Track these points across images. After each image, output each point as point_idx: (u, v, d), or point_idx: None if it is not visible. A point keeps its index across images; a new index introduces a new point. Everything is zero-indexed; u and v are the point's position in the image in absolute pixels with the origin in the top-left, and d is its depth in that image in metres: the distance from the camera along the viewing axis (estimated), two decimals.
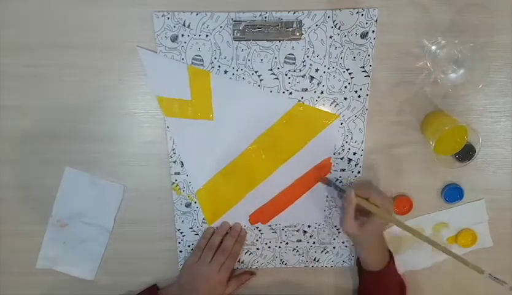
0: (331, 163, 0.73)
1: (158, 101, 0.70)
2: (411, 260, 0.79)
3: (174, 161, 0.73)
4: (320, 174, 0.74)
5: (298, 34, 0.66)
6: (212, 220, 0.77)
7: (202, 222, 0.77)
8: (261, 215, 0.77)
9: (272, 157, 0.73)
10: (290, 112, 0.70)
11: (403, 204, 0.75)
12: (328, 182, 0.73)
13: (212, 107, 0.70)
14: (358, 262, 0.76)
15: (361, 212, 0.69)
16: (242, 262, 0.80)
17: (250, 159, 0.73)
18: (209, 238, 0.76)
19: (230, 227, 0.77)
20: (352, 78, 0.69)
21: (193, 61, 0.68)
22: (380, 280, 0.72)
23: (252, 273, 0.79)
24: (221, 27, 0.66)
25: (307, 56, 0.67)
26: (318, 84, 0.69)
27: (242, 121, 0.71)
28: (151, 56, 0.67)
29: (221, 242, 0.75)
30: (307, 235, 0.78)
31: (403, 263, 0.79)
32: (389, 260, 0.72)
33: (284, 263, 0.80)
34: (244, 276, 0.78)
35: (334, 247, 0.79)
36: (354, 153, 0.73)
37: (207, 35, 0.66)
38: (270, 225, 0.78)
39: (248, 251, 0.79)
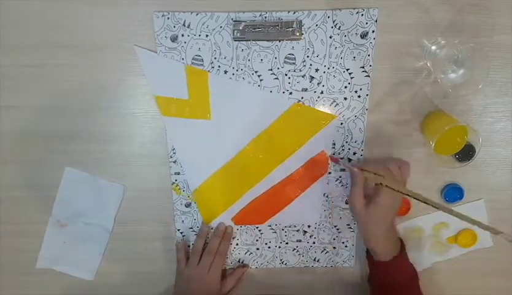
0: (326, 159, 0.73)
1: (155, 101, 0.70)
2: (411, 260, 0.78)
3: (174, 161, 0.73)
4: (314, 172, 0.74)
5: (298, 34, 0.66)
6: (208, 220, 0.77)
7: (202, 222, 0.77)
8: (246, 216, 0.76)
9: (269, 157, 0.73)
10: (288, 112, 0.70)
11: (401, 205, 0.75)
12: (336, 160, 0.71)
13: (210, 107, 0.70)
14: (368, 252, 0.72)
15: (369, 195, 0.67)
16: (242, 262, 0.80)
17: (247, 159, 0.73)
18: (202, 241, 0.76)
19: (212, 228, 0.77)
20: (352, 78, 0.69)
21: (193, 61, 0.68)
22: (389, 271, 0.68)
23: (244, 266, 0.79)
24: (221, 27, 0.66)
25: (307, 56, 0.67)
26: (318, 84, 0.69)
27: (240, 121, 0.71)
28: (148, 56, 0.67)
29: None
30: (307, 235, 0.78)
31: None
32: (400, 250, 0.69)
33: (284, 263, 0.80)
34: (238, 271, 0.78)
35: (334, 247, 0.79)
36: (354, 153, 0.73)
37: (207, 35, 0.66)
38: (270, 225, 0.78)
39: (248, 250, 0.79)
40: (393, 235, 0.70)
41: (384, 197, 0.65)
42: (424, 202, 0.64)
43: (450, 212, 0.63)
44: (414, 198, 0.64)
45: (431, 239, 0.78)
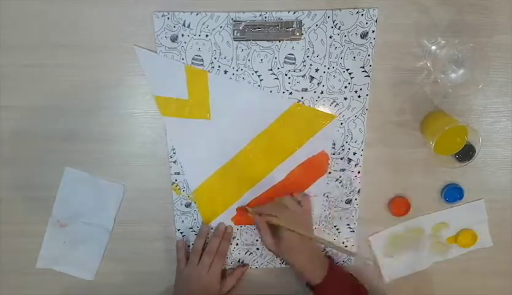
0: (326, 159, 0.73)
1: (155, 101, 0.70)
2: (411, 261, 0.79)
3: (174, 161, 0.73)
4: (314, 172, 0.74)
5: (298, 34, 0.66)
6: (209, 220, 0.77)
7: (202, 222, 0.77)
8: (247, 216, 0.76)
9: (269, 156, 0.73)
10: (288, 112, 0.70)
11: (401, 205, 0.75)
12: (245, 210, 0.75)
13: (209, 107, 0.70)
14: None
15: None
16: (242, 262, 0.80)
17: (247, 159, 0.73)
18: (202, 240, 0.76)
19: (212, 228, 0.77)
20: (352, 78, 0.69)
21: (193, 61, 0.68)
22: (328, 290, 0.70)
23: (244, 266, 0.79)
24: (221, 27, 0.66)
25: (307, 56, 0.67)
26: (318, 84, 0.69)
27: (239, 121, 0.71)
28: (148, 56, 0.67)
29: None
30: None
31: (403, 264, 0.79)
32: (328, 267, 0.70)
33: (284, 263, 0.80)
34: (238, 271, 0.78)
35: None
36: (354, 153, 0.73)
37: (207, 35, 0.66)
38: None
39: (248, 250, 0.79)
40: (315, 261, 0.72)
41: (286, 233, 0.69)
42: (317, 241, 0.72)
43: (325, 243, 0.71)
44: (306, 235, 0.71)
45: (431, 239, 0.78)
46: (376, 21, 0.65)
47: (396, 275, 0.79)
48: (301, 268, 0.71)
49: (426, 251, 0.78)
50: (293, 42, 0.66)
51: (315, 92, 0.69)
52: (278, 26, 0.65)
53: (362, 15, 0.65)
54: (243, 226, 0.78)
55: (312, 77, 0.69)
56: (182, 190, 0.75)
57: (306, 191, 0.75)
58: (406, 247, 0.78)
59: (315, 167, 0.74)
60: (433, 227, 0.77)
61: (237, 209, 0.76)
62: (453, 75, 0.65)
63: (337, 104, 0.70)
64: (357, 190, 0.75)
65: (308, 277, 0.71)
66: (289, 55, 0.67)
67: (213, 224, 0.77)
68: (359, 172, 0.74)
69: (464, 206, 0.76)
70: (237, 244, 0.79)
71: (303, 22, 0.65)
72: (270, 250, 0.72)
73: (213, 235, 0.76)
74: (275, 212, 0.70)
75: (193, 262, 0.74)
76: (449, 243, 0.78)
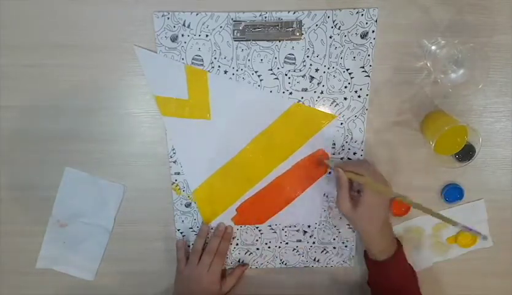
0: (327, 159, 0.73)
1: (155, 101, 0.70)
2: (411, 260, 0.78)
3: (174, 161, 0.73)
4: (314, 172, 0.74)
5: (298, 34, 0.66)
6: (208, 220, 0.77)
7: (202, 222, 0.77)
8: (246, 216, 0.76)
9: (269, 156, 0.73)
10: (288, 112, 0.70)
11: (401, 205, 0.75)
12: (327, 166, 0.72)
13: (209, 107, 0.70)
14: (366, 252, 0.72)
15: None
16: (242, 262, 0.80)
17: (247, 159, 0.73)
18: (202, 239, 0.76)
19: (212, 228, 0.77)
20: (352, 78, 0.69)
21: (193, 61, 0.68)
22: (385, 272, 0.68)
23: (244, 265, 0.79)
24: (221, 27, 0.66)
25: (307, 56, 0.67)
26: (318, 84, 0.69)
27: (239, 121, 0.71)
28: (148, 56, 0.67)
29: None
30: (307, 235, 0.78)
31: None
32: (396, 250, 0.68)
33: (284, 263, 0.80)
34: (238, 270, 0.78)
35: (334, 247, 0.79)
36: (354, 153, 0.73)
37: (207, 35, 0.66)
38: (270, 225, 0.78)
39: (248, 250, 0.79)
40: (387, 235, 0.70)
41: (368, 196, 0.65)
42: (406, 202, 0.65)
43: (434, 214, 0.63)
44: (396, 197, 0.65)
45: (431, 239, 0.78)
46: (376, 21, 0.65)
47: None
48: (371, 238, 0.67)
49: (426, 251, 0.78)
50: (293, 42, 0.66)
51: (315, 92, 0.69)
52: (278, 26, 0.65)
53: (362, 15, 0.65)
54: (243, 226, 0.78)
55: (312, 77, 0.69)
56: (182, 190, 0.75)
57: (306, 191, 0.75)
58: (407, 247, 0.78)
59: (316, 167, 0.74)
60: (433, 227, 0.77)
61: (237, 209, 0.76)
62: (453, 75, 0.65)
63: (337, 104, 0.70)
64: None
65: (374, 249, 0.68)
66: (289, 55, 0.67)
67: (213, 224, 0.77)
68: None
69: (464, 206, 0.76)
70: (237, 244, 0.79)
71: (303, 22, 0.65)
72: (343, 213, 0.68)
73: (213, 235, 0.76)
74: (360, 169, 0.66)
75: (193, 262, 0.74)
76: (449, 243, 0.78)
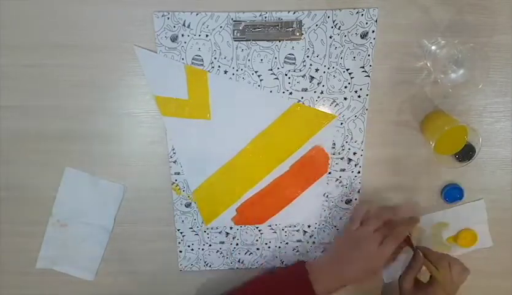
0: (326, 159, 0.73)
1: (155, 101, 0.70)
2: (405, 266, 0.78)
3: (174, 161, 0.73)
4: (314, 172, 0.74)
5: (298, 34, 0.66)
6: (208, 220, 0.77)
7: (202, 222, 0.77)
8: (246, 216, 0.76)
9: (269, 157, 0.73)
10: (288, 112, 0.70)
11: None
12: (411, 245, 0.71)
13: (209, 107, 0.70)
14: None
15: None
16: (242, 262, 0.80)
17: (247, 159, 0.73)
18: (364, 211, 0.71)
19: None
20: (352, 78, 0.69)
21: (193, 61, 0.68)
22: None
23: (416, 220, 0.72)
24: (221, 27, 0.66)
25: (307, 56, 0.67)
26: (318, 84, 0.69)
27: (239, 121, 0.71)
28: (148, 56, 0.67)
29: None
30: (307, 235, 0.78)
31: (404, 264, 0.78)
32: None
33: (284, 263, 0.80)
34: (400, 229, 0.68)
35: None
36: (354, 153, 0.73)
37: (207, 35, 0.66)
38: (270, 225, 0.78)
39: (248, 250, 0.79)
40: None
41: (436, 292, 0.66)
42: None
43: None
44: None
45: (431, 239, 0.78)
46: (376, 21, 0.65)
47: (396, 275, 0.79)
48: None
49: None
50: (293, 42, 0.66)
51: (315, 92, 0.69)
52: (278, 26, 0.65)
53: (362, 15, 0.65)
54: (243, 226, 0.78)
55: (312, 77, 0.69)
56: (182, 190, 0.75)
57: (306, 191, 0.75)
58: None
59: (315, 166, 0.74)
60: (433, 226, 0.77)
61: (237, 210, 0.76)
62: (453, 75, 0.65)
63: (337, 104, 0.70)
64: (357, 190, 0.75)
65: None
66: (289, 55, 0.67)
67: (213, 224, 0.77)
68: (359, 172, 0.74)
69: (464, 206, 0.76)
70: (237, 244, 0.79)
71: (303, 22, 0.65)
72: (401, 289, 0.68)
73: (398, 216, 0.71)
74: (438, 263, 0.67)
75: (370, 226, 0.68)
76: (449, 243, 0.78)
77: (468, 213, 0.76)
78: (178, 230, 0.78)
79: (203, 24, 0.66)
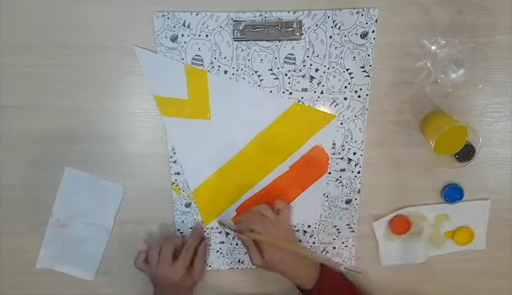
0: (327, 159, 0.73)
1: (155, 101, 0.70)
2: (404, 254, 0.78)
3: (174, 161, 0.73)
4: (314, 172, 0.74)
5: (298, 34, 0.66)
6: (208, 220, 0.77)
7: (202, 222, 0.77)
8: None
9: (269, 157, 0.73)
10: (288, 112, 0.70)
11: (400, 225, 0.75)
12: (223, 225, 0.75)
13: (209, 107, 0.70)
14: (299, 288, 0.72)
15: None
16: (242, 262, 0.80)
17: (247, 159, 0.73)
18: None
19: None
20: (352, 78, 0.69)
21: (193, 61, 0.68)
22: (322, 293, 0.69)
23: (202, 239, 0.77)
24: (221, 27, 0.66)
25: (307, 56, 0.67)
26: (318, 84, 0.69)
27: (239, 121, 0.71)
28: (148, 56, 0.67)
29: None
30: (307, 235, 0.78)
31: (401, 251, 0.78)
32: (320, 270, 0.71)
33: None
34: (200, 249, 0.75)
35: (334, 248, 0.79)
36: (354, 153, 0.73)
37: (207, 35, 0.66)
38: None
39: None
40: (304, 264, 0.70)
41: (266, 248, 0.67)
42: (296, 251, 0.70)
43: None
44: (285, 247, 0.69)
45: (431, 229, 0.77)
46: (376, 21, 0.65)
47: (392, 261, 0.79)
48: (290, 278, 0.71)
49: (424, 241, 0.78)
50: (293, 42, 0.66)
51: (315, 92, 0.69)
52: (278, 26, 0.65)
53: (362, 15, 0.65)
54: None
55: (312, 77, 0.69)
56: (182, 190, 0.75)
57: (306, 191, 0.75)
58: (399, 240, 0.78)
59: (315, 166, 0.74)
60: (436, 217, 0.77)
61: (237, 210, 0.76)
62: (453, 75, 0.65)
63: (337, 104, 0.70)
64: (357, 190, 0.75)
65: (299, 284, 0.71)
66: (289, 55, 0.67)
67: (213, 224, 0.77)
68: (359, 172, 0.74)
69: (464, 206, 0.76)
70: (237, 244, 0.79)
71: (303, 22, 0.65)
72: (258, 266, 0.69)
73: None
74: (255, 225, 0.68)
75: (153, 261, 0.71)
76: (446, 238, 0.78)
77: (468, 213, 0.76)
78: (178, 230, 0.78)
79: (203, 24, 0.66)
